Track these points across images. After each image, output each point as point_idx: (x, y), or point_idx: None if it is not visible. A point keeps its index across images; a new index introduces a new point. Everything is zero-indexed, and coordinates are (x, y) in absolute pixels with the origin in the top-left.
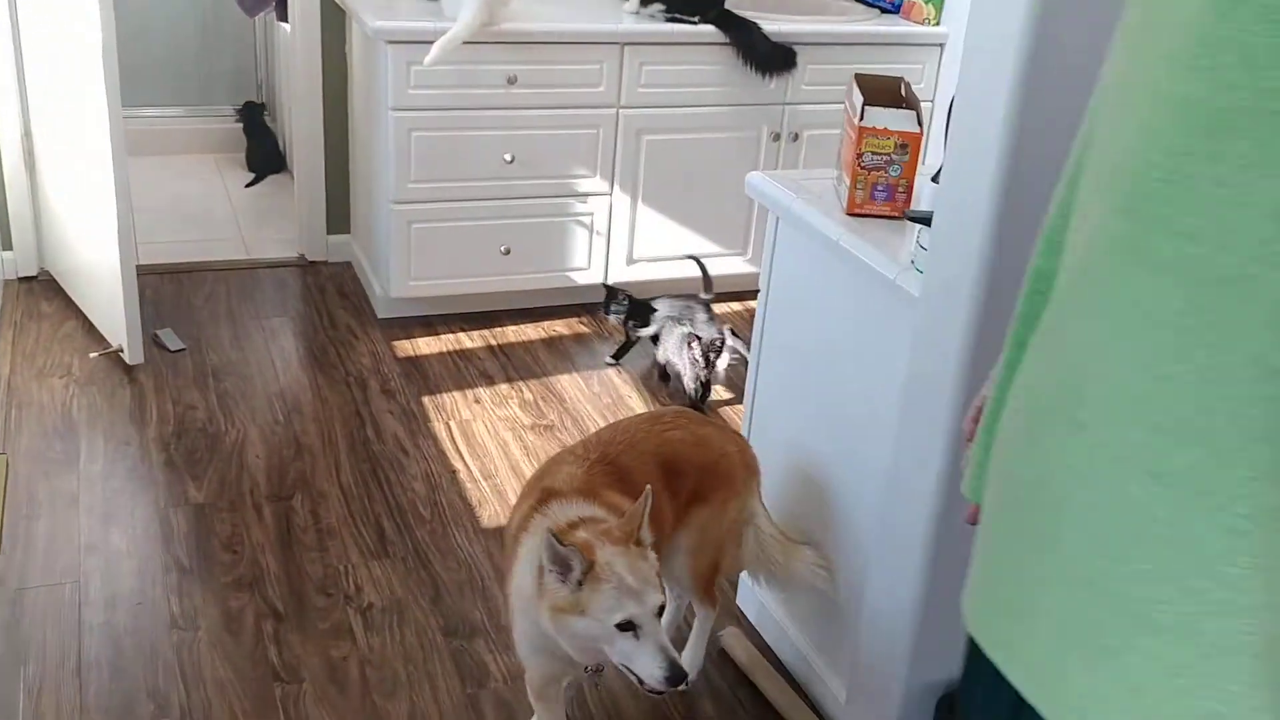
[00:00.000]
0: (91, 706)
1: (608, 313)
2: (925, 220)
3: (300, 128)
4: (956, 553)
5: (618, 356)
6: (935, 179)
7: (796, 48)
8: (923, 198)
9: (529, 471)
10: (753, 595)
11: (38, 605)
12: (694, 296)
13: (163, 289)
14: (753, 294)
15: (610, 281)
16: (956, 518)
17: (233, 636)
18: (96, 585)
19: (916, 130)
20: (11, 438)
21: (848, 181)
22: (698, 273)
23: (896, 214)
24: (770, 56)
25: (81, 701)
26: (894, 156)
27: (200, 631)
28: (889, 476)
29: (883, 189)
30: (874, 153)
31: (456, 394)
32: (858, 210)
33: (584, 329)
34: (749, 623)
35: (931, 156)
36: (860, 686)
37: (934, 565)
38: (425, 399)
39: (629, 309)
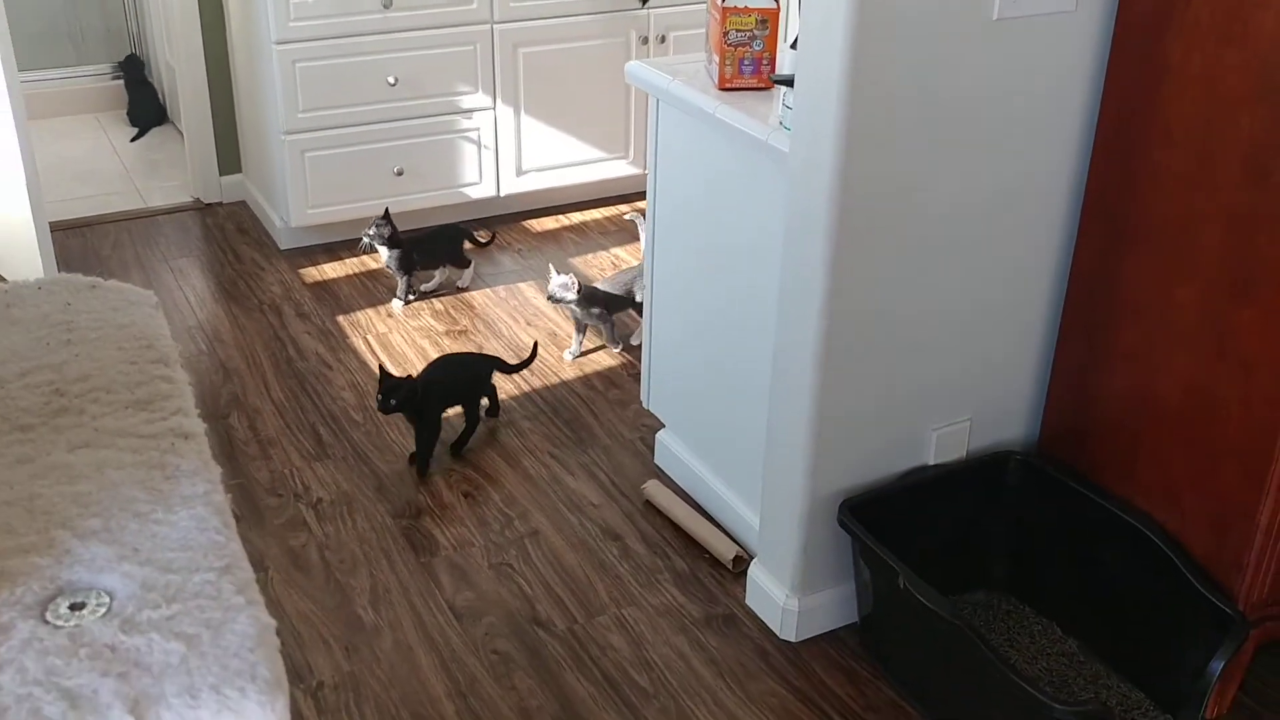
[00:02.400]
0: None
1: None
2: (789, 82)
3: (183, 75)
4: (841, 374)
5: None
6: (794, 45)
7: None
8: (785, 65)
9: None
10: (668, 450)
11: None
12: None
13: (69, 244)
14: (639, 195)
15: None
16: (839, 337)
17: None
18: None
19: (774, 6)
20: None
21: (717, 60)
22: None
23: (764, 85)
24: None
25: None
26: (755, 32)
27: None
28: (778, 311)
29: (749, 63)
30: (738, 30)
31: (369, 311)
32: (728, 85)
33: (483, 241)
34: (667, 475)
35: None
36: (771, 508)
37: (823, 387)
38: (340, 318)
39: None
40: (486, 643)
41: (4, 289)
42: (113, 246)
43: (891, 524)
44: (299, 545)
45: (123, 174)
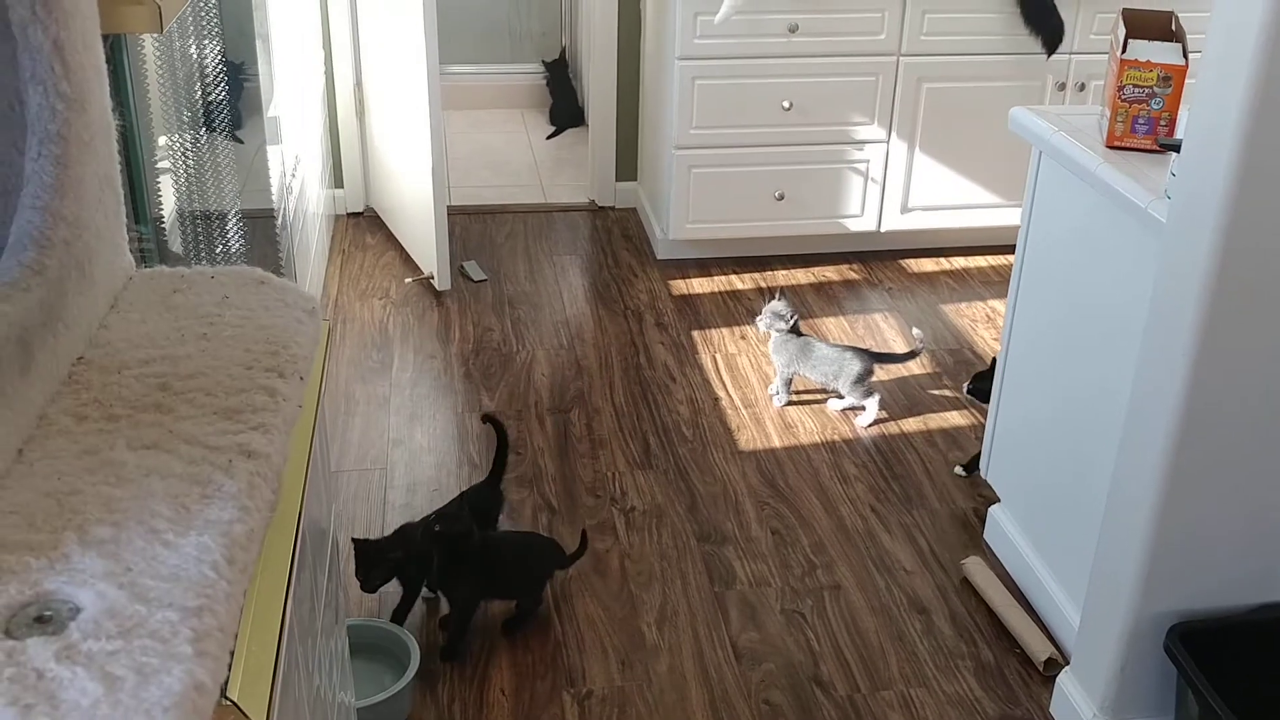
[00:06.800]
0: None
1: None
2: (1175, 147)
3: (595, 81)
4: (1193, 486)
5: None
6: None
7: None
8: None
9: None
10: (999, 527)
11: (350, 486)
12: None
13: (470, 227)
14: None
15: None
16: (1196, 441)
17: (512, 524)
18: (400, 472)
19: (1181, 63)
20: (336, 347)
21: (1108, 114)
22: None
23: (1158, 148)
24: (1041, 16)
25: None
26: (1156, 89)
27: None
28: (1130, 404)
29: (1144, 122)
30: (1135, 85)
31: (724, 330)
32: (1117, 143)
33: (854, 275)
34: (993, 554)
35: None
36: (1092, 615)
37: (1170, 489)
38: (695, 333)
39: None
40: (760, 690)
41: (181, 274)
42: (507, 235)
43: (1233, 660)
44: (603, 549)
45: (531, 168)
